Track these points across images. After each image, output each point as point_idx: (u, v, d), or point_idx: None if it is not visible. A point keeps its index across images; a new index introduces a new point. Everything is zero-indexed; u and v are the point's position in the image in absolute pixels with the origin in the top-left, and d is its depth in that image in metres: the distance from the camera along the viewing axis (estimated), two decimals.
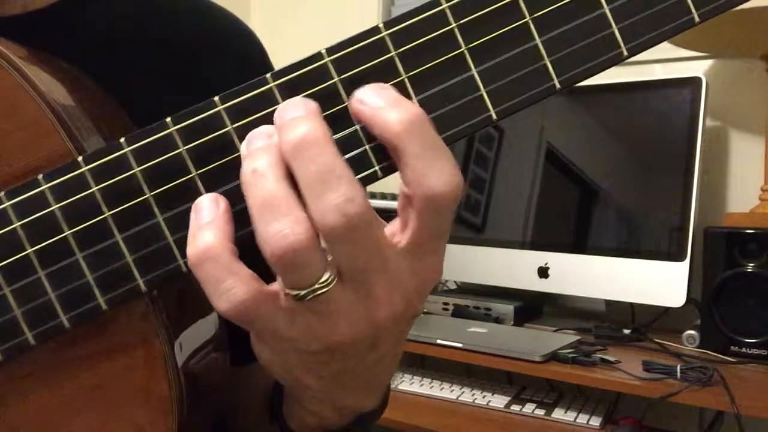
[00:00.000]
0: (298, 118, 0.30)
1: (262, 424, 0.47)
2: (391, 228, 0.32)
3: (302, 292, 0.30)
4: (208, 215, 0.31)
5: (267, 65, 0.59)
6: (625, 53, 0.31)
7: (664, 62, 1.51)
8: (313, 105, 0.31)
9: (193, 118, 0.32)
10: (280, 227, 0.29)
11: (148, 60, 0.52)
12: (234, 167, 0.32)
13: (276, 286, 0.31)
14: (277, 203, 0.29)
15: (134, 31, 0.52)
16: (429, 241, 0.31)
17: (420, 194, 0.30)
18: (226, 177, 0.32)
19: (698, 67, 1.49)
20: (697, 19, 0.31)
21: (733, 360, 1.18)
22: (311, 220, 0.29)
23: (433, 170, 0.30)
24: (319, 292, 0.30)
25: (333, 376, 0.35)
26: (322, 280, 0.30)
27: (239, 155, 0.32)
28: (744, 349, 1.18)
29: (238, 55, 0.56)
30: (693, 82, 1.33)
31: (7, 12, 0.48)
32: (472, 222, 1.57)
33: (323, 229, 0.29)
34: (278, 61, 0.58)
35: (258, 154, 0.30)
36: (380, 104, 0.30)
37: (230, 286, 0.30)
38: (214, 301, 0.30)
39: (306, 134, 0.29)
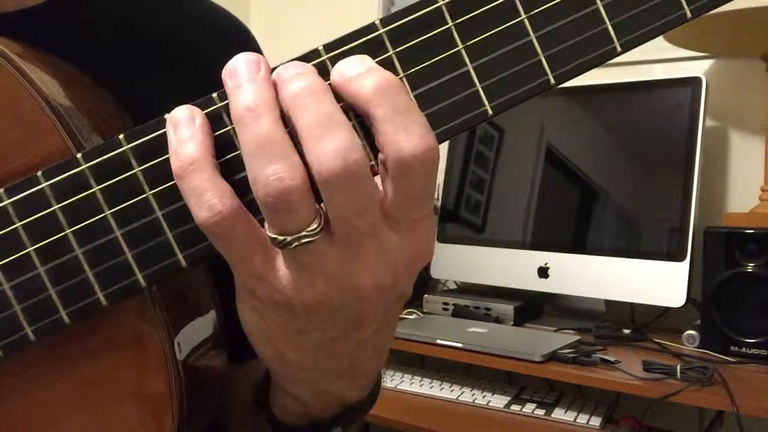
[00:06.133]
0: (299, 73, 0.31)
1: (249, 416, 0.47)
2: None
3: (288, 238, 0.30)
4: (187, 129, 0.32)
5: None
6: (619, 49, 0.32)
7: (664, 62, 1.51)
8: (310, 66, 0.32)
9: None
10: (276, 170, 0.29)
11: (145, 58, 0.52)
12: (236, 164, 0.32)
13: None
14: (274, 145, 0.30)
15: (130, 28, 0.52)
16: (407, 208, 0.31)
17: (391, 157, 0.30)
18: (229, 174, 0.32)
19: (698, 67, 1.49)
20: (689, 14, 0.31)
21: (733, 360, 1.18)
22: (308, 167, 0.30)
23: (403, 132, 0.30)
24: (305, 240, 0.30)
25: (314, 351, 0.35)
26: (310, 228, 0.30)
27: (240, 153, 0.32)
28: (744, 349, 1.18)
29: (234, 54, 0.56)
30: (693, 82, 1.33)
31: (0, 10, 0.48)
32: (472, 222, 1.57)
33: (322, 174, 0.29)
34: (277, 62, 0.59)
35: (248, 89, 0.31)
36: (354, 73, 0.31)
37: (211, 197, 0.31)
38: (194, 211, 0.31)
39: (308, 84, 0.30)
